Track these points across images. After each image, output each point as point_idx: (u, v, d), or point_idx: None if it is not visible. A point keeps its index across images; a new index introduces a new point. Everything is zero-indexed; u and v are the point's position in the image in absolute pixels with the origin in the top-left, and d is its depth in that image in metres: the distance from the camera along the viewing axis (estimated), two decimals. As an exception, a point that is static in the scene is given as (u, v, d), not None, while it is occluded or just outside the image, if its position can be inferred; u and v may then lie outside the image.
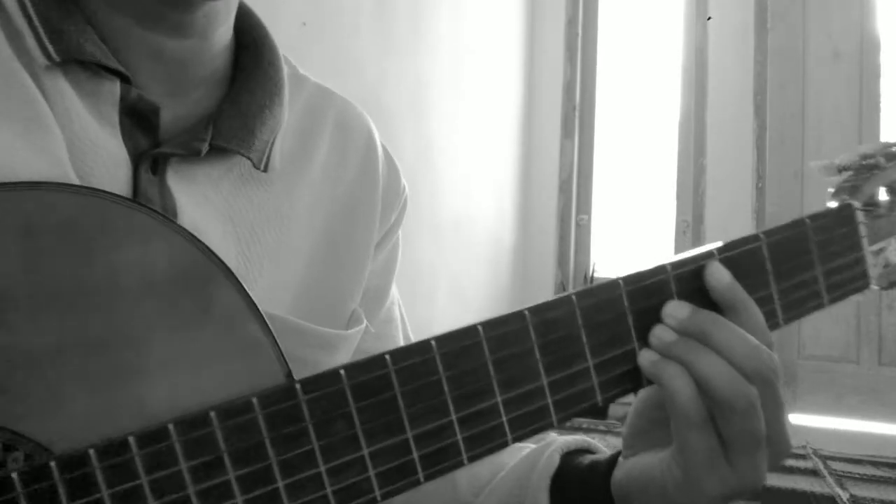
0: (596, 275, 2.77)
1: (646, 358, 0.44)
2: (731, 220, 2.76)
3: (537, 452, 0.55)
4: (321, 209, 0.56)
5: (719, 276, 0.45)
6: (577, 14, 3.09)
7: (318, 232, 0.55)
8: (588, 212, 3.09)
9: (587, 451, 0.55)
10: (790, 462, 1.97)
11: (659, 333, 0.44)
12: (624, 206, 3.07)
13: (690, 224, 2.85)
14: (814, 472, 1.99)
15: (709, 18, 2.82)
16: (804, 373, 2.59)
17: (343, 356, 0.56)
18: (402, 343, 0.64)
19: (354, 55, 1.98)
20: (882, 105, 2.60)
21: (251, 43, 0.55)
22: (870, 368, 2.53)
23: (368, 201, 0.60)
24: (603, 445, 0.56)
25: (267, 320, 0.39)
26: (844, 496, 1.89)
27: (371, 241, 0.60)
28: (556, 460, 0.53)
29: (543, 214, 3.07)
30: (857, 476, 2.06)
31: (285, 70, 0.56)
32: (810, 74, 2.69)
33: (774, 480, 1.82)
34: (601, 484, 0.50)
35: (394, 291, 0.65)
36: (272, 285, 0.51)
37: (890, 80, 2.60)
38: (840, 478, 2.01)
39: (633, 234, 3.05)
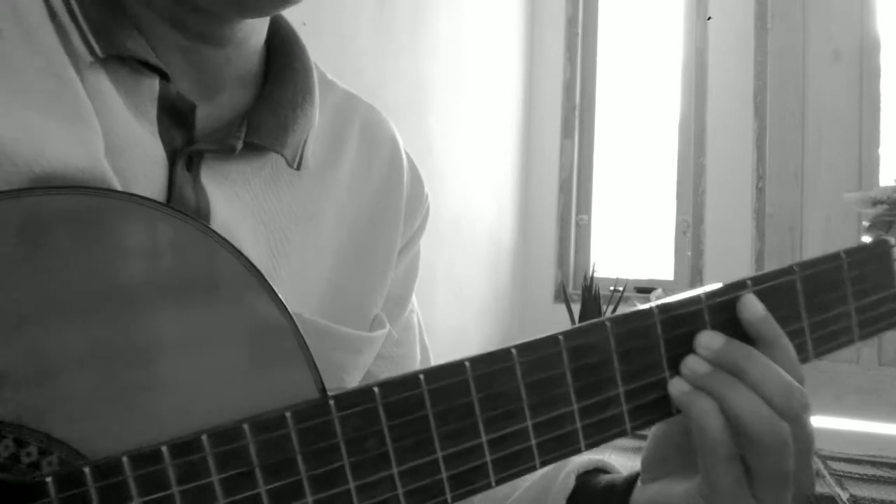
0: (596, 275, 2.77)
1: (676, 387, 0.43)
2: (731, 220, 2.76)
3: (552, 473, 0.54)
4: (347, 214, 0.56)
5: (753, 309, 0.44)
6: (577, 14, 3.10)
7: (344, 235, 0.55)
8: (588, 212, 3.10)
9: (602, 470, 0.55)
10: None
11: (691, 364, 0.43)
12: (624, 206, 3.07)
13: (690, 224, 2.86)
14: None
15: (709, 18, 2.82)
16: (804, 372, 2.59)
17: (367, 359, 0.56)
18: (418, 351, 0.65)
19: (354, 55, 1.97)
20: (882, 105, 2.61)
21: (282, 45, 0.55)
22: (870, 368, 2.54)
23: (392, 209, 0.60)
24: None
25: (297, 322, 0.39)
26: (844, 496, 1.90)
27: (394, 247, 0.60)
28: (572, 482, 0.52)
29: (543, 214, 3.07)
30: (856, 476, 2.07)
31: (315, 72, 0.56)
32: (810, 74, 2.69)
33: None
34: None
35: (413, 300, 0.66)
36: (300, 285, 0.51)
37: (890, 80, 2.61)
38: (840, 478, 2.02)
39: (633, 234, 3.06)
